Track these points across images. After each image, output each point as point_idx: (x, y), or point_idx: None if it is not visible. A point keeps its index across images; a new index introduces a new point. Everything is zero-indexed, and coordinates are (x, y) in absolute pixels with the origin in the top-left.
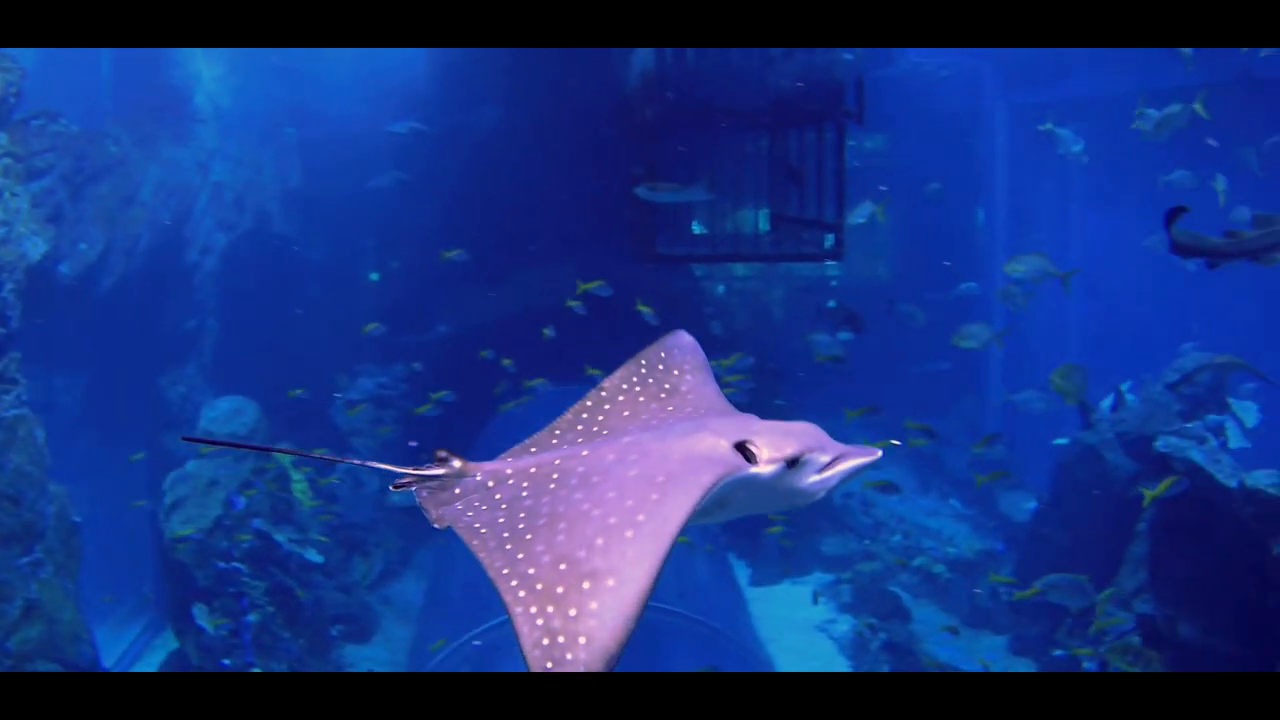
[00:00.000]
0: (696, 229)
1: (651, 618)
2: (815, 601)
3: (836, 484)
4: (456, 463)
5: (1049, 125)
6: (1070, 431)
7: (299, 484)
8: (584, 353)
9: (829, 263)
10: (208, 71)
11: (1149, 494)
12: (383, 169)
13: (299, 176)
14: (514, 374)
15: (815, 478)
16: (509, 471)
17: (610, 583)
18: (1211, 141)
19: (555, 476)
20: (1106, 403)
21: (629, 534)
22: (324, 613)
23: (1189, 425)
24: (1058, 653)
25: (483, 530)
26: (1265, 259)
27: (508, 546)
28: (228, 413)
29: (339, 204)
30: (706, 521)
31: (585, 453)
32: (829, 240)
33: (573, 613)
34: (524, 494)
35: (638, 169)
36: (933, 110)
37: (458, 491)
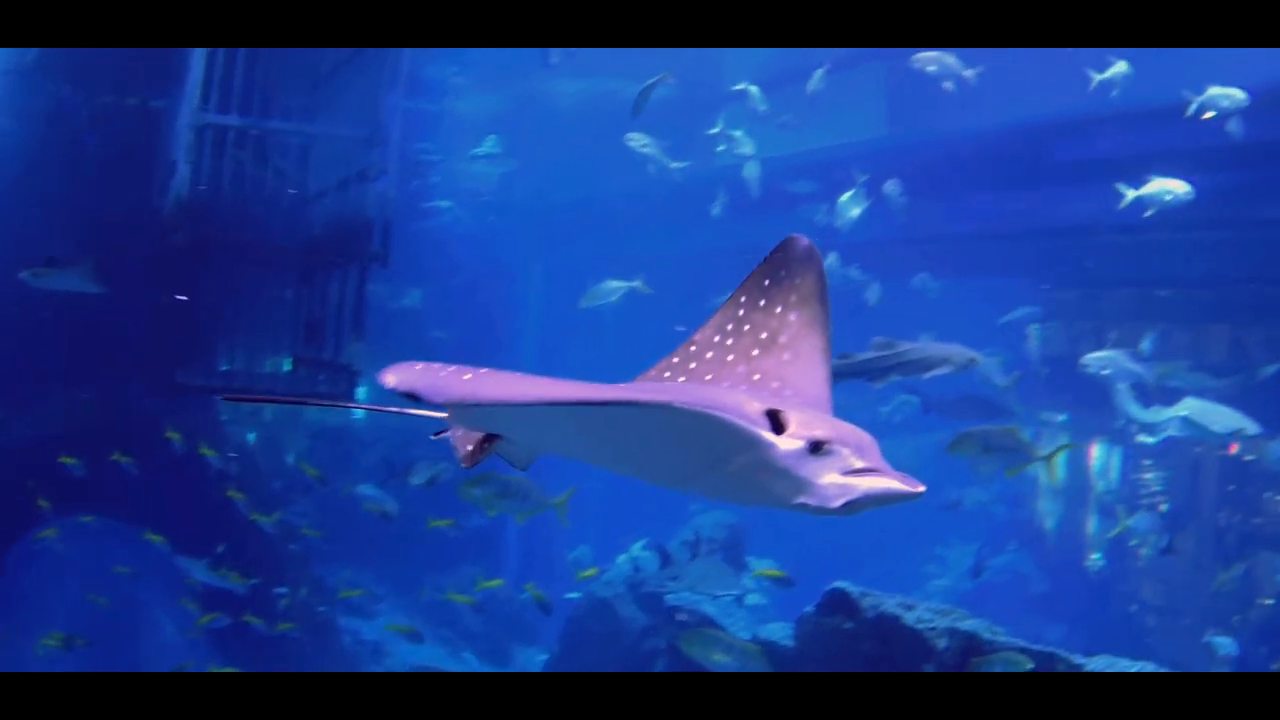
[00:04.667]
0: (224, 367)
1: None
2: None
3: (860, 499)
4: None
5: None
6: (581, 586)
7: None
8: (115, 486)
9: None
10: None
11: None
12: None
13: None
14: (49, 511)
15: (837, 479)
16: None
17: (490, 381)
18: None
19: None
20: (623, 559)
21: (569, 382)
22: None
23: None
24: None
25: None
26: (879, 379)
27: None
28: None
29: None
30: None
31: (616, 386)
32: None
33: (467, 377)
34: None
35: (168, 295)
36: (472, 265)
37: None
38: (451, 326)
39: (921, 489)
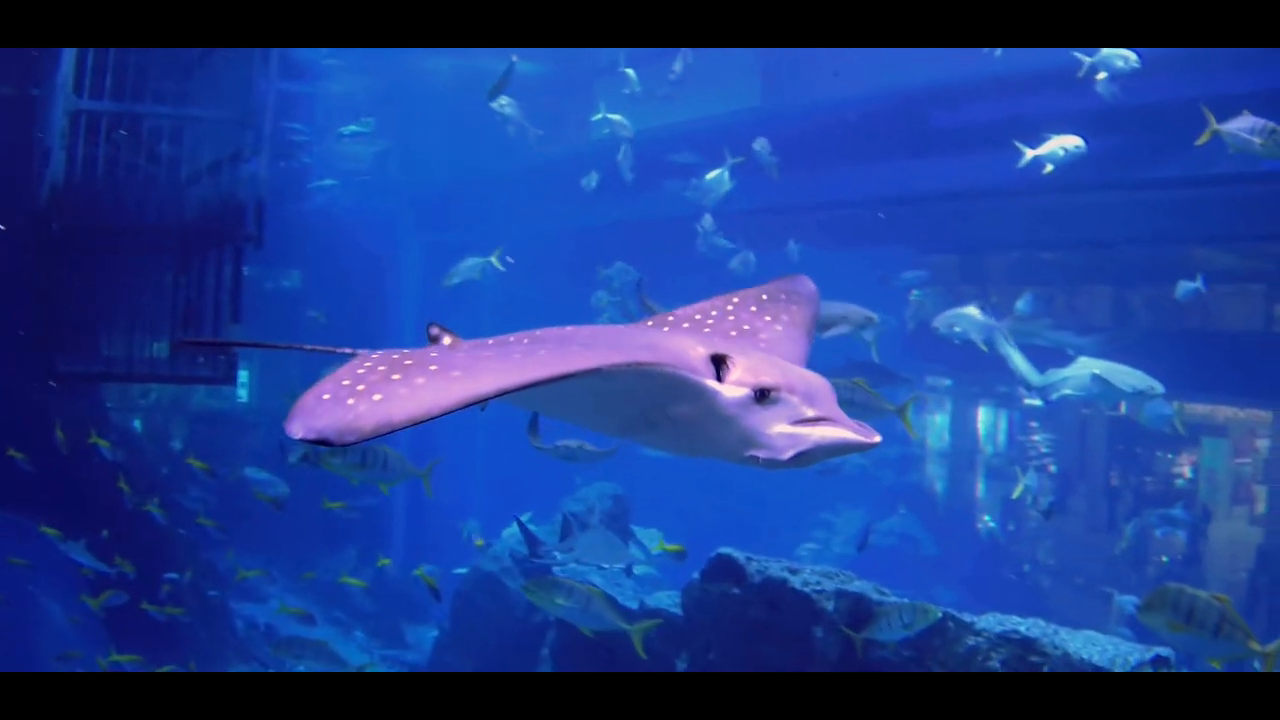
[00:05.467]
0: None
1: None
2: None
3: (812, 450)
4: (447, 339)
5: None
6: (469, 561)
7: None
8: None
9: (243, 398)
10: None
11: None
12: None
13: None
14: None
15: (786, 429)
16: (490, 342)
17: (403, 391)
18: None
19: (525, 341)
20: (508, 531)
21: (486, 362)
22: None
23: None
24: None
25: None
26: None
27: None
28: None
29: None
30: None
31: (568, 329)
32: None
33: (376, 397)
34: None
35: (42, 284)
36: (351, 246)
37: None
38: (330, 306)
39: (877, 439)
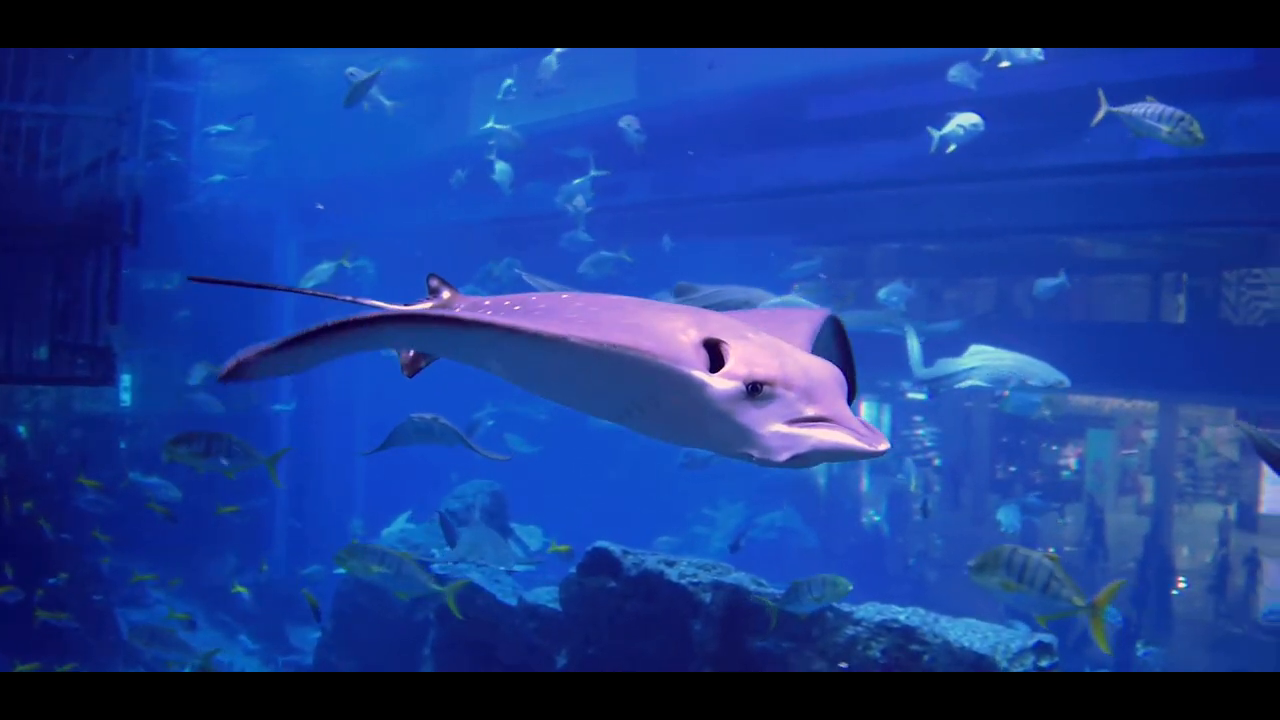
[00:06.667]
0: None
1: None
2: None
3: (808, 454)
4: (446, 293)
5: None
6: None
7: None
8: None
9: (125, 401)
10: None
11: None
12: None
13: None
14: None
15: (780, 428)
16: (487, 302)
17: None
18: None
19: (517, 307)
20: (388, 530)
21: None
22: None
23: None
24: None
25: None
26: None
27: None
28: None
29: None
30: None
31: (565, 296)
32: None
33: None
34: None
35: None
36: (229, 245)
37: None
38: (208, 305)
39: (883, 446)
